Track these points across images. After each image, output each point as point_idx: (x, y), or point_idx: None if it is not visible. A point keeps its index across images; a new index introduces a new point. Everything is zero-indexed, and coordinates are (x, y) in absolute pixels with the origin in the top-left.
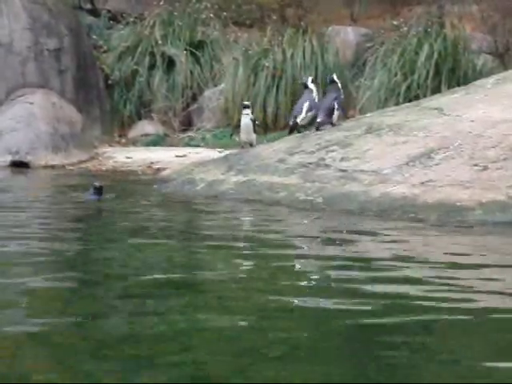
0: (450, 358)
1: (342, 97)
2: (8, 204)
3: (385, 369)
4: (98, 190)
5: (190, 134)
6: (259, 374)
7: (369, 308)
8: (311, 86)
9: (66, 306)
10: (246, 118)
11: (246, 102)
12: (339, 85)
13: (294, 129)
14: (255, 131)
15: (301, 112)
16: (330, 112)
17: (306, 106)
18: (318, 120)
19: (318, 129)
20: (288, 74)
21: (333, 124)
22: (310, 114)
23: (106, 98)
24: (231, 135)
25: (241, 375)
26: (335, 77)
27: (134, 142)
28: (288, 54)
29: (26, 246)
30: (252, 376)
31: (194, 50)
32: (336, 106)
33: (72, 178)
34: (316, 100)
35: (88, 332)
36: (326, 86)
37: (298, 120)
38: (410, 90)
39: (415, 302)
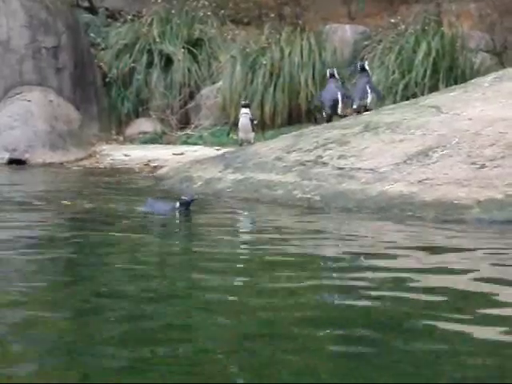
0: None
1: (372, 81)
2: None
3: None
4: (186, 205)
5: (187, 131)
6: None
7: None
8: (337, 76)
9: None
10: (245, 118)
11: (245, 102)
12: (369, 72)
13: (361, 111)
14: (253, 130)
15: (364, 96)
16: (363, 96)
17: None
18: (354, 106)
19: (358, 112)
20: (285, 71)
21: (367, 107)
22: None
23: (104, 95)
24: (228, 133)
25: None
26: (366, 64)
27: (132, 140)
28: (285, 52)
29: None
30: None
31: (191, 48)
32: (369, 90)
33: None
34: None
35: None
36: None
37: (368, 101)
38: (407, 89)
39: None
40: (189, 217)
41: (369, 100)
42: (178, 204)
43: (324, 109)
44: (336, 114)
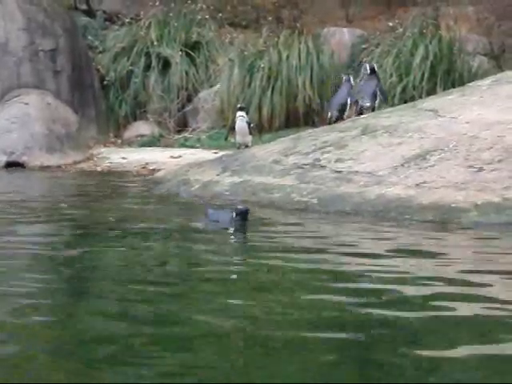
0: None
1: (381, 84)
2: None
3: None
4: (243, 215)
5: (185, 134)
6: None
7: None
8: (352, 82)
9: None
10: (241, 121)
11: (242, 105)
12: (378, 74)
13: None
14: (251, 133)
15: (374, 99)
16: (374, 97)
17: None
18: (367, 104)
19: (361, 113)
20: (283, 75)
21: (374, 109)
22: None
23: (102, 98)
24: (226, 137)
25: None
26: (376, 66)
27: (129, 143)
28: (283, 56)
29: None
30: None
31: (189, 51)
32: (378, 92)
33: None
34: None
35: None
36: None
37: (376, 104)
38: (405, 92)
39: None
40: (245, 228)
41: (377, 103)
42: (234, 214)
43: (331, 112)
44: (342, 118)
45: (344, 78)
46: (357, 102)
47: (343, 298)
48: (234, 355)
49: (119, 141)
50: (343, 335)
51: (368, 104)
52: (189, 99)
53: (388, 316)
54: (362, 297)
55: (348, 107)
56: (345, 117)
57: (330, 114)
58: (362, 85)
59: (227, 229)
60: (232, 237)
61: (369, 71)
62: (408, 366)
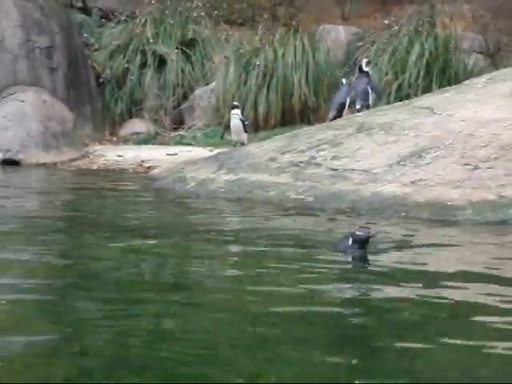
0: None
1: (372, 81)
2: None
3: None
4: (360, 243)
5: (180, 132)
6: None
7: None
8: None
9: None
10: (236, 119)
11: (235, 103)
12: (370, 72)
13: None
14: (246, 131)
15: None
16: (366, 96)
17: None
18: (358, 106)
19: (359, 111)
20: (279, 72)
21: (368, 106)
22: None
23: (97, 96)
24: (222, 135)
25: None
26: (364, 63)
27: (125, 141)
28: (279, 53)
29: None
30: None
31: (185, 49)
32: (370, 90)
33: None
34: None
35: None
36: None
37: (370, 102)
38: (401, 90)
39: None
40: (363, 260)
41: (370, 101)
42: (350, 241)
43: (331, 111)
44: (341, 116)
45: (343, 79)
46: (354, 101)
47: None
48: None
49: (115, 138)
50: None
51: (358, 106)
52: (185, 97)
53: None
54: None
55: (347, 106)
56: (344, 116)
57: (330, 114)
58: (355, 84)
59: (345, 257)
60: (347, 268)
61: (358, 69)
62: None
